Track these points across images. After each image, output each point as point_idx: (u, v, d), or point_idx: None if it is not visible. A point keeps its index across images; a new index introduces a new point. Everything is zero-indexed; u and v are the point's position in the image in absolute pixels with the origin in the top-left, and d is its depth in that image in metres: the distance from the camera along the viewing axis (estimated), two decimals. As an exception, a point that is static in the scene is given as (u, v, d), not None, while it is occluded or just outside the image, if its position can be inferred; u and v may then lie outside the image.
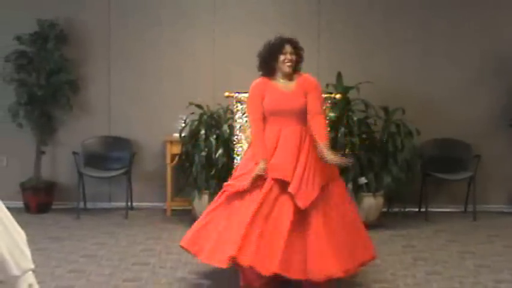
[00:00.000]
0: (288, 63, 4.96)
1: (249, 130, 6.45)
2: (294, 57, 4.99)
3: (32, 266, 3.10)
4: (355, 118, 6.80)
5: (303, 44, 5.11)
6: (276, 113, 4.92)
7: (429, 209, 7.14)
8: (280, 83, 5.00)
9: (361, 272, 5.32)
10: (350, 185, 6.60)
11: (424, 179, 7.22)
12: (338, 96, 6.51)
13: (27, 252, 3.07)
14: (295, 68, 5.04)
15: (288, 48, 4.98)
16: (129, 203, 7.26)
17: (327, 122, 6.16)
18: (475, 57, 7.44)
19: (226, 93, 6.53)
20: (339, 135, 6.67)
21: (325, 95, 6.44)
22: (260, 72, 5.08)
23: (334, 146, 6.62)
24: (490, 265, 5.59)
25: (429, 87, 7.42)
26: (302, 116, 4.95)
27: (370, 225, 6.59)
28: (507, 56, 7.39)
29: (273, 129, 4.92)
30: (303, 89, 4.96)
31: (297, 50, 5.04)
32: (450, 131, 7.38)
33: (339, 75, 6.98)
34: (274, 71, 5.01)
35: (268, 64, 5.01)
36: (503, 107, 7.44)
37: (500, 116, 7.44)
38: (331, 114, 6.51)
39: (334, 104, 6.60)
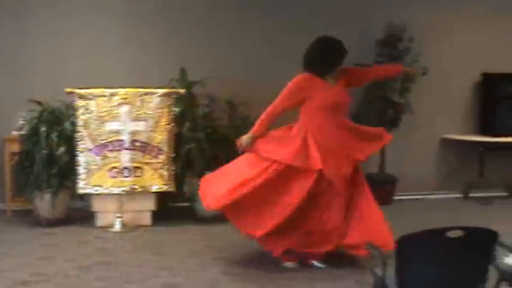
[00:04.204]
0: None
1: (93, 126, 6.36)
2: None
3: None
4: (200, 113, 6.85)
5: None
6: (335, 107, 5.10)
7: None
8: (329, 81, 5.17)
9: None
10: (196, 180, 6.63)
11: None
12: (182, 91, 6.58)
13: None
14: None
15: None
16: (-35, 205, 6.92)
17: (172, 116, 6.19)
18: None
19: (68, 89, 6.38)
20: (184, 130, 6.69)
21: (169, 90, 6.47)
22: (308, 68, 5.22)
23: (179, 141, 6.66)
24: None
25: (274, 82, 7.54)
26: (346, 111, 5.34)
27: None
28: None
29: (329, 125, 5.08)
30: (342, 82, 5.21)
31: None
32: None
33: (182, 71, 7.02)
34: (329, 70, 5.15)
35: (334, 62, 5.16)
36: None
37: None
38: (176, 109, 6.53)
39: (178, 99, 6.63)
